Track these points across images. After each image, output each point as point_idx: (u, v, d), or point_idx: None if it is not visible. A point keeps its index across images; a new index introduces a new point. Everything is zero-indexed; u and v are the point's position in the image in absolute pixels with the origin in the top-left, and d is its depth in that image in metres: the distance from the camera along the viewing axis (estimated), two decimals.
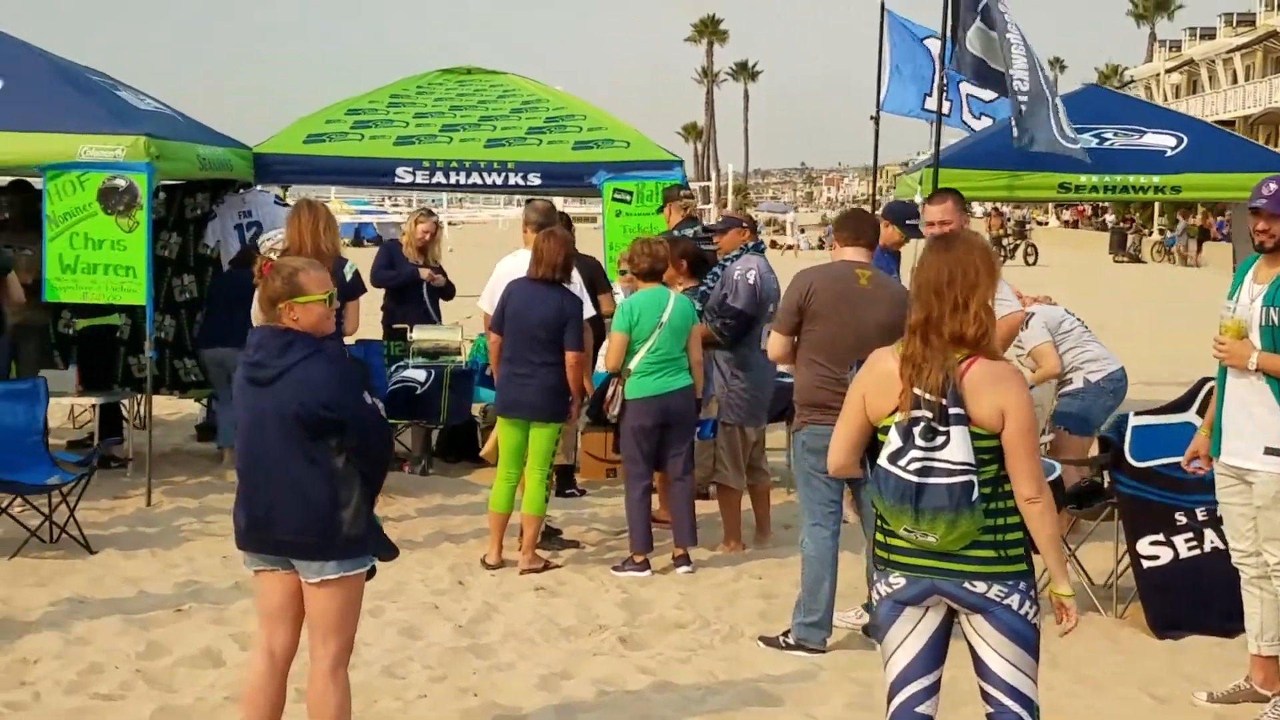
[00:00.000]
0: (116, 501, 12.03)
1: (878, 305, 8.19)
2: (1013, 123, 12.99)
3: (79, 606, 9.28)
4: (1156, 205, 59.88)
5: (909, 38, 18.08)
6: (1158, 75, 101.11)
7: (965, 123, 17.65)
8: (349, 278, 10.53)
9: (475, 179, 14.58)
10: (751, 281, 10.74)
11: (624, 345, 10.13)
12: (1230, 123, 78.54)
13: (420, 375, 13.28)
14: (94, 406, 13.15)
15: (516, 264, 10.93)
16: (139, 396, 13.98)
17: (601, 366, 10.72)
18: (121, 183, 11.79)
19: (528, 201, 12.80)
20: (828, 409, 8.14)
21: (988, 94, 17.08)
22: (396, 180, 14.68)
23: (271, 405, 6.22)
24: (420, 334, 13.70)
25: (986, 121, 17.31)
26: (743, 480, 10.84)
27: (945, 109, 17.83)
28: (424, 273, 14.20)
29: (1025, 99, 13.29)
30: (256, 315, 11.09)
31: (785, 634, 8.49)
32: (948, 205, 9.07)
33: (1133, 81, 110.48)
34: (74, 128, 11.91)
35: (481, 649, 8.51)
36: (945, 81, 15.14)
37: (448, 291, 14.49)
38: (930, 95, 18.06)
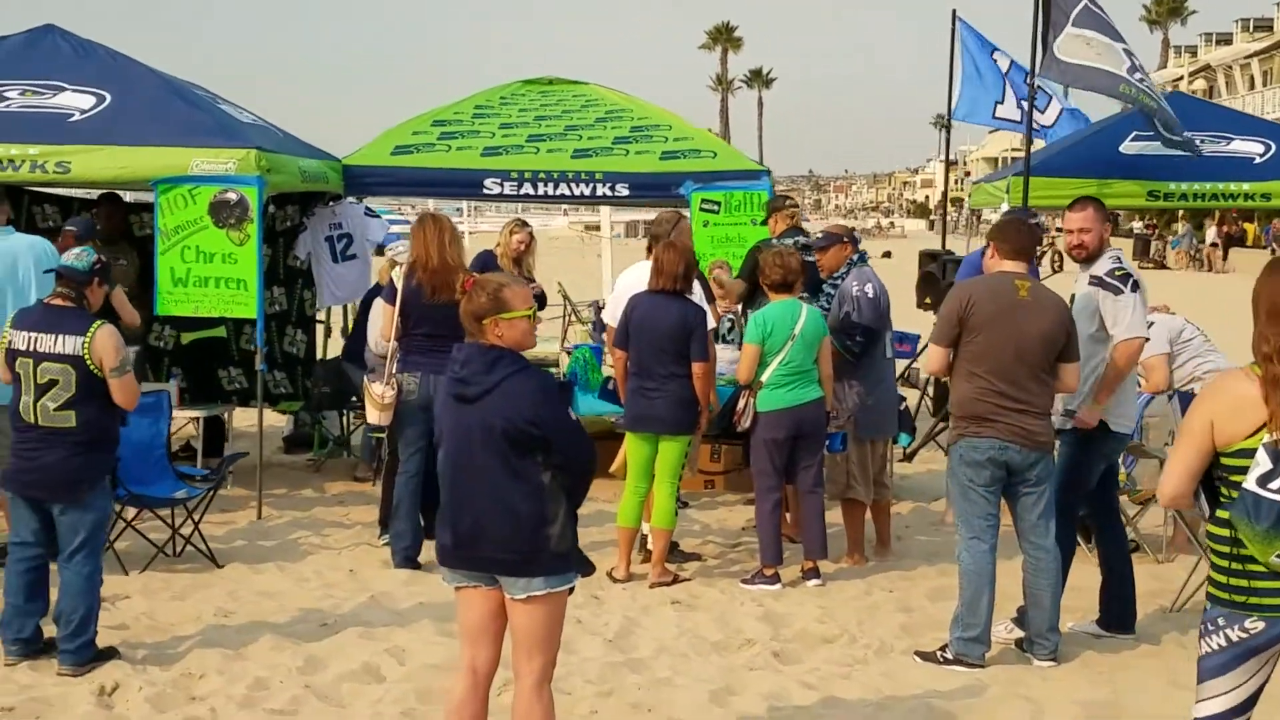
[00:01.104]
0: (227, 515, 12.05)
1: (1039, 316, 8.20)
2: (1157, 120, 13.10)
3: (225, 621, 9.32)
4: (1180, 212, 59.76)
5: (979, 46, 18.09)
6: (1178, 81, 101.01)
7: (1040, 126, 17.67)
8: None
9: (563, 189, 14.55)
10: (871, 295, 10.76)
11: (757, 357, 10.14)
12: None
13: None
14: (197, 420, 13.15)
15: (637, 277, 10.95)
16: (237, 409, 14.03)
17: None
18: (233, 196, 11.82)
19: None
20: (985, 421, 8.19)
21: (1050, 118, 17.23)
22: (485, 191, 14.67)
23: (478, 421, 6.24)
24: None
25: (1066, 125, 17.38)
26: (870, 493, 10.85)
27: (1017, 116, 17.98)
28: None
29: (1147, 95, 13.46)
30: (378, 335, 11.21)
31: (943, 649, 8.49)
32: (1088, 213, 9.06)
33: None
34: (185, 141, 11.94)
35: (636, 664, 8.52)
36: (1034, 88, 15.13)
37: (538, 303, 14.46)
38: (1002, 103, 18.14)
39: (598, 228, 28.57)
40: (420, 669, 8.38)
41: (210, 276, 11.94)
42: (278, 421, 15.82)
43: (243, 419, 15.17)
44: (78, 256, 8.36)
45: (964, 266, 12.78)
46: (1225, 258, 58.92)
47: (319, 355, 15.36)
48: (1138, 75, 14.37)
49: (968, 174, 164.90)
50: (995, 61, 17.82)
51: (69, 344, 8.05)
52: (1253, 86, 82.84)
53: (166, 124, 12.16)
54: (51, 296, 8.36)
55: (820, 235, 11.43)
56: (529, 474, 6.24)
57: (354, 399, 14.93)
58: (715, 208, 14.08)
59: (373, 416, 10.68)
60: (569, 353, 14.02)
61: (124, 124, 12.05)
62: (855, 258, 10.98)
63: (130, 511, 10.66)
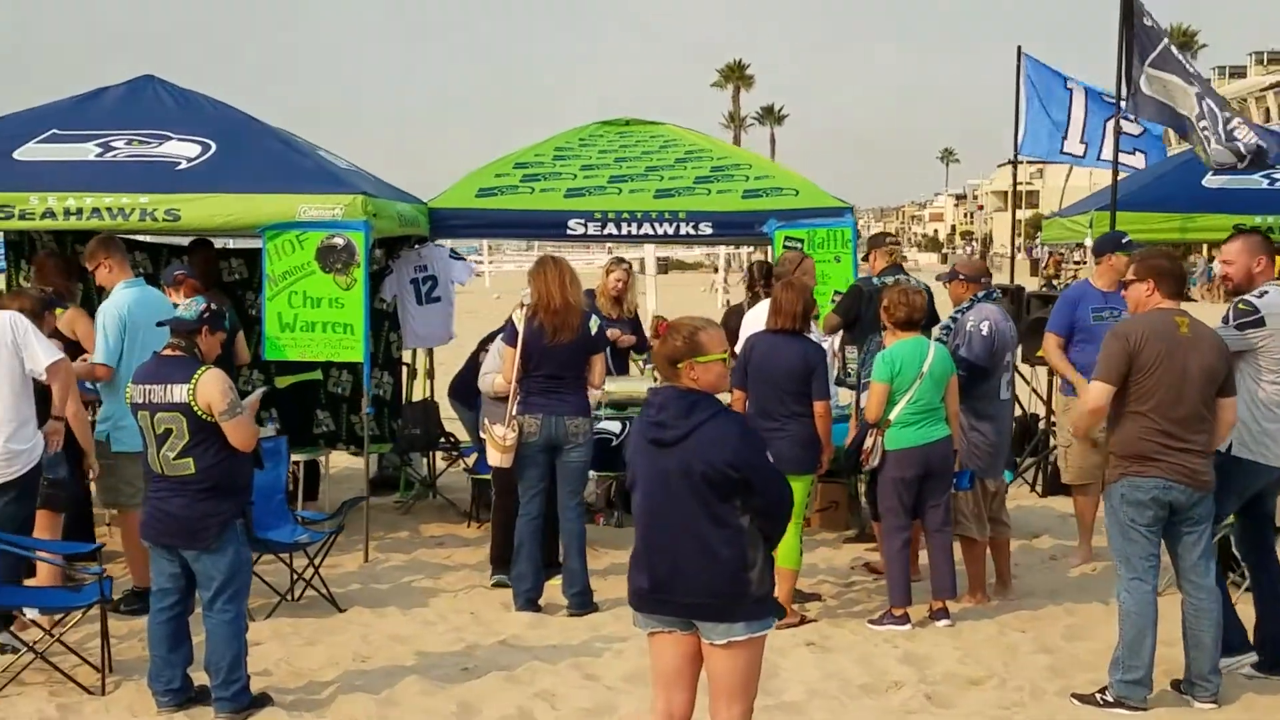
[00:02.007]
0: (333, 558, 12.02)
1: (1201, 352, 8.20)
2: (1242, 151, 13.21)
3: (363, 665, 9.33)
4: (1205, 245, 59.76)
5: (1049, 79, 18.08)
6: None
7: (1104, 161, 17.66)
8: (594, 331, 10.61)
9: (647, 229, 14.57)
10: (985, 332, 10.75)
11: (885, 395, 10.13)
12: None
13: (614, 427, 13.34)
14: (298, 463, 13.16)
15: (753, 317, 10.96)
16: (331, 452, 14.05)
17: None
18: (340, 241, 11.86)
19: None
20: (1149, 460, 8.17)
21: (1136, 129, 17.20)
22: (569, 232, 14.69)
23: (676, 465, 6.26)
24: (611, 385, 13.71)
25: (1139, 158, 17.37)
26: (986, 531, 10.83)
27: (1080, 151, 18.00)
28: (611, 333, 14.11)
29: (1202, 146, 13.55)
30: (491, 380, 11.21)
31: (1102, 691, 8.45)
32: (1235, 245, 8.98)
33: None
34: (292, 188, 11.98)
35: (790, 708, 8.50)
36: (1119, 123, 15.19)
37: (641, 347, 14.48)
38: (1067, 138, 18.14)
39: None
40: (574, 713, 8.39)
41: (317, 321, 11.96)
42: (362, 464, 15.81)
43: (331, 461, 15.20)
44: (186, 307, 8.50)
45: (1061, 296, 12.71)
46: None
47: (405, 397, 15.36)
48: (1203, 124, 14.42)
49: (980, 208, 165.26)
50: (1070, 92, 17.77)
51: (177, 392, 8.12)
52: (1268, 118, 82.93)
53: (273, 171, 12.23)
54: (165, 348, 8.44)
55: (950, 270, 11.44)
56: (728, 518, 6.25)
57: (442, 440, 14.98)
58: (799, 245, 14.05)
59: (494, 459, 10.66)
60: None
61: (231, 171, 12.11)
62: (980, 294, 10.97)
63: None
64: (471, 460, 14.26)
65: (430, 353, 15.69)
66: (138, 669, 9.02)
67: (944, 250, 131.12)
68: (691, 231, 14.59)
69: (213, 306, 8.47)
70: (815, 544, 12.97)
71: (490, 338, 13.10)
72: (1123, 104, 14.68)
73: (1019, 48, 18.30)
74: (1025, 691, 8.75)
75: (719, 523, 6.23)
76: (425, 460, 15.45)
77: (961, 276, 11.11)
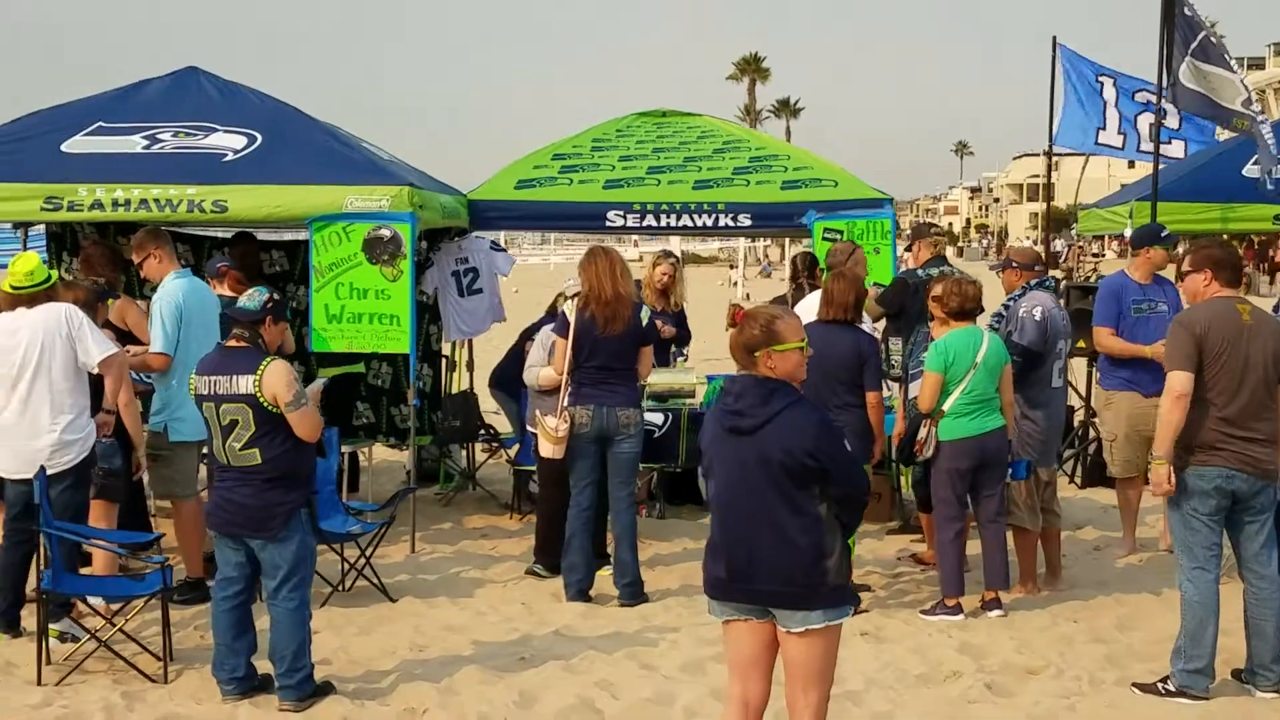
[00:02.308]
0: (380, 549, 12.03)
1: (1263, 339, 8.20)
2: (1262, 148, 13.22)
3: (420, 655, 9.37)
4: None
5: (1083, 71, 18.07)
6: None
7: (1143, 152, 17.66)
8: (645, 323, 10.62)
9: (685, 221, 14.53)
10: (1038, 319, 10.76)
11: (939, 386, 10.12)
12: None
13: (658, 418, 13.33)
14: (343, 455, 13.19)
15: (803, 309, 10.98)
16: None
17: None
18: (386, 232, 11.90)
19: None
20: (1213, 450, 8.17)
21: (1175, 121, 17.20)
22: (607, 224, 14.68)
23: (754, 454, 6.27)
24: (654, 377, 13.71)
25: (1178, 146, 17.36)
26: (1038, 521, 10.82)
27: (1119, 142, 17.99)
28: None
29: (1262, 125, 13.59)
30: (537, 373, 11.22)
31: (1164, 680, 8.45)
32: None
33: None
34: (339, 179, 12.00)
35: (853, 696, 8.51)
36: (1162, 113, 15.20)
37: (683, 340, 14.48)
38: (1104, 129, 18.13)
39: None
40: (637, 704, 8.40)
41: (364, 313, 12.00)
42: (402, 456, 15.86)
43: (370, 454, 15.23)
44: (249, 297, 8.48)
45: (1101, 288, 12.67)
46: (1274, 282, 58.54)
47: (444, 389, 15.38)
48: (1255, 108, 14.48)
49: (996, 200, 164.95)
50: (1101, 84, 17.77)
51: (242, 383, 8.13)
52: None
53: (319, 163, 12.25)
54: (229, 339, 8.44)
55: (1004, 257, 11.46)
56: (806, 506, 6.27)
57: (481, 431, 15.01)
58: (838, 236, 14.04)
59: (545, 450, 10.67)
60: (703, 383, 14.04)
61: (277, 163, 12.13)
62: (1034, 282, 10.97)
63: None
64: (513, 451, 14.29)
65: (469, 344, 15.70)
66: (196, 657, 9.10)
67: (959, 245, 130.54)
68: (730, 223, 14.55)
69: (275, 296, 8.50)
70: (860, 535, 12.85)
71: (532, 329, 13.13)
72: (1164, 94, 14.70)
73: (1054, 38, 18.32)
74: (1084, 681, 8.75)
75: (797, 511, 6.25)
76: (464, 452, 15.47)
77: (1015, 264, 11.12)
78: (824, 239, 14.03)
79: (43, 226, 14.62)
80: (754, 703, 6.56)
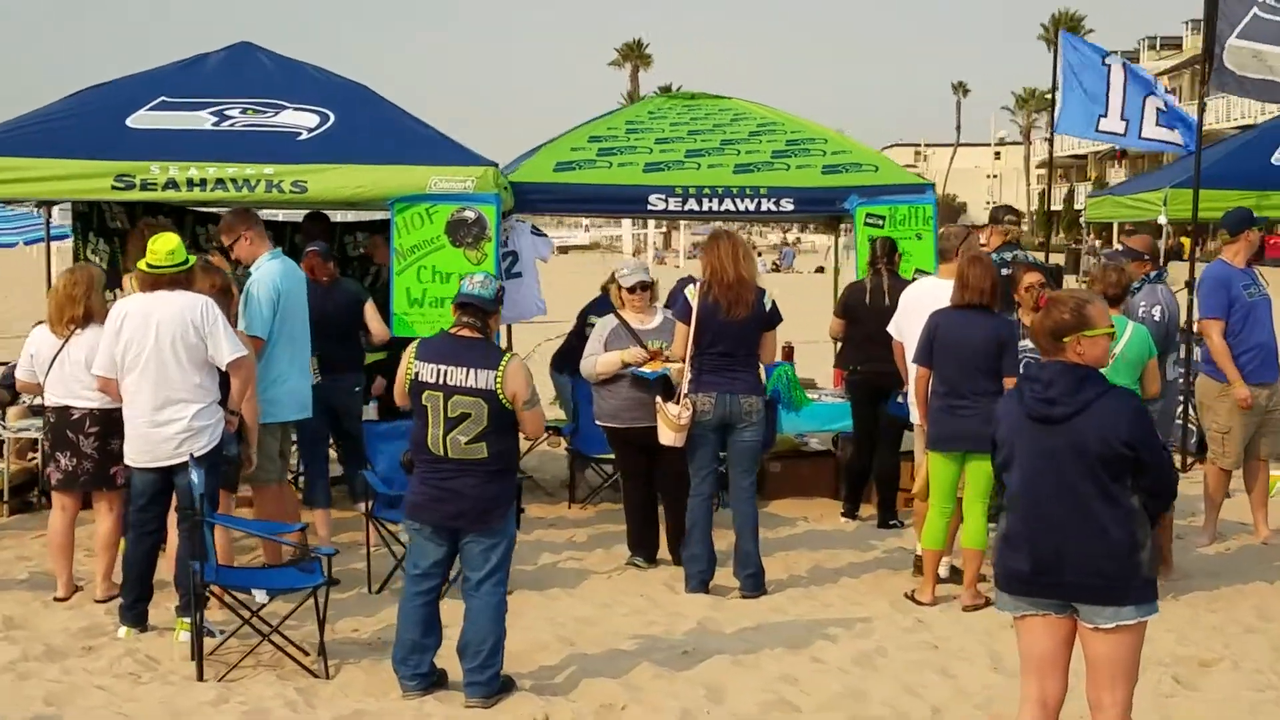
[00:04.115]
0: None
1: None
2: None
3: (572, 649, 9.15)
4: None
5: (1085, 58, 18.08)
6: None
7: (1145, 139, 17.72)
8: (769, 308, 10.43)
9: (728, 205, 14.36)
10: (1159, 318, 10.76)
11: None
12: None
13: None
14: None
15: (923, 292, 10.86)
16: None
17: None
18: (470, 214, 11.64)
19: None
20: None
21: (1170, 102, 17.26)
22: (649, 207, 14.49)
23: (1066, 443, 6.13)
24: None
25: (1165, 132, 17.40)
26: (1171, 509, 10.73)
27: (1121, 129, 18.01)
28: None
29: None
30: (595, 361, 10.95)
31: None
32: None
33: (1053, 105, 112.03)
34: (422, 159, 11.73)
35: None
36: (1202, 99, 15.23)
37: None
38: (1105, 116, 18.14)
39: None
40: (830, 698, 8.23)
41: (447, 297, 11.63)
42: None
43: None
44: (483, 284, 8.14)
45: (1207, 279, 12.61)
46: None
47: None
48: None
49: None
50: (1108, 68, 17.74)
51: (482, 378, 7.89)
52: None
53: (399, 142, 11.95)
54: (457, 327, 8.13)
55: (1121, 249, 11.36)
56: (1120, 498, 6.13)
57: None
58: (880, 222, 13.98)
59: (667, 438, 10.43)
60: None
61: (354, 142, 11.81)
62: (1152, 274, 10.90)
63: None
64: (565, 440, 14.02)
65: (509, 330, 15.38)
66: (336, 652, 8.74)
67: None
68: (773, 208, 14.41)
69: (504, 286, 8.22)
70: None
71: (587, 311, 12.93)
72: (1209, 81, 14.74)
73: (1058, 29, 18.36)
74: (1267, 673, 8.69)
75: (1112, 502, 6.11)
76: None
77: (1146, 257, 11.06)
78: (866, 224, 13.93)
79: (69, 205, 14.11)
80: (1052, 701, 6.40)
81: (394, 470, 10.35)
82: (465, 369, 7.90)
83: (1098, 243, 42.02)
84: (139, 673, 8.44)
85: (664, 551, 11.27)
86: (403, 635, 8.17)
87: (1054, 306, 6.29)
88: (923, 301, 10.73)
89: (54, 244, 16.44)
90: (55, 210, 15.08)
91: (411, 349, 8.20)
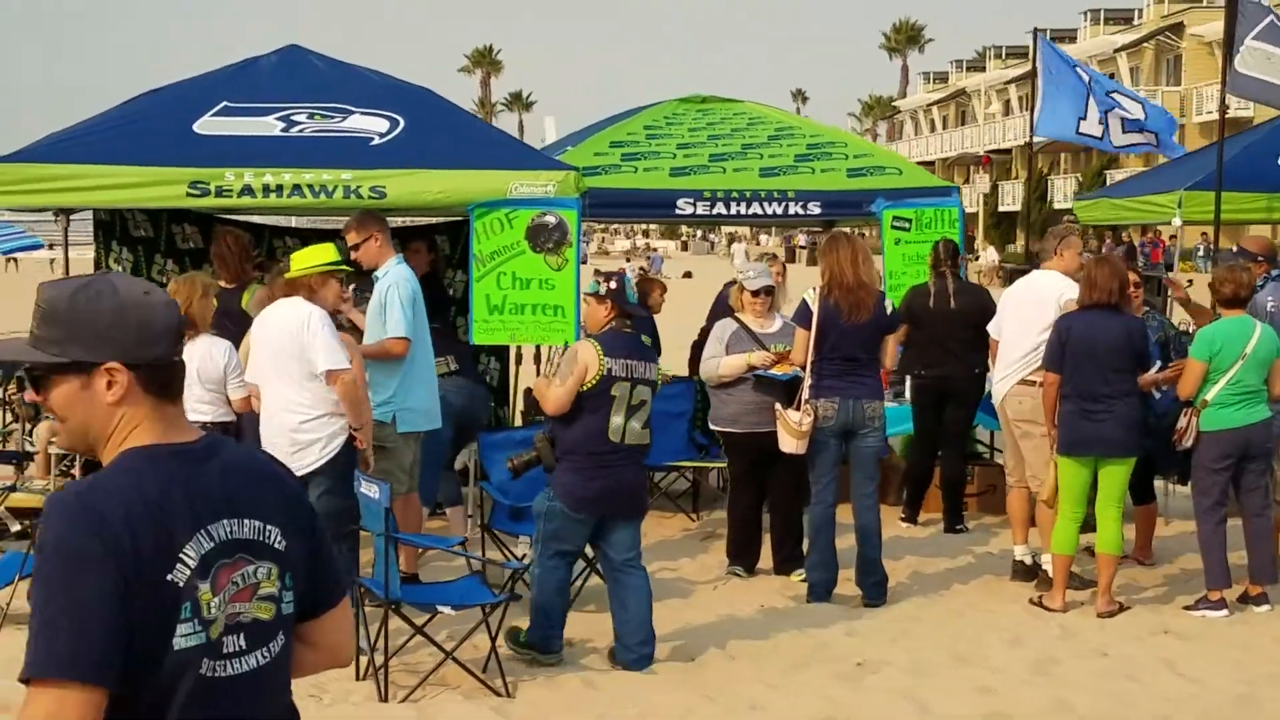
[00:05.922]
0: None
1: None
2: None
3: (741, 651, 9.02)
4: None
5: (1060, 62, 18.23)
6: (930, 105, 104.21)
7: (1116, 145, 17.90)
8: (889, 311, 10.33)
9: (755, 209, 14.34)
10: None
11: (1201, 375, 9.95)
12: (1008, 151, 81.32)
13: None
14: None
15: (1026, 287, 10.86)
16: None
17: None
18: (551, 219, 11.36)
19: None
20: None
21: (1135, 110, 17.41)
22: (678, 212, 14.39)
23: None
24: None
25: (1136, 137, 17.55)
26: None
27: (1098, 132, 18.16)
28: None
29: None
30: (717, 364, 10.79)
31: None
32: None
33: (899, 112, 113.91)
34: (502, 164, 11.39)
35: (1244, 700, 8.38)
36: (1224, 100, 15.35)
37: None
38: (1084, 119, 18.29)
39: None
40: (1037, 712, 8.11)
41: (526, 303, 11.43)
42: None
43: None
44: (632, 289, 8.91)
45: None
46: None
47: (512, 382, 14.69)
48: None
49: None
50: (1080, 75, 17.90)
51: (651, 370, 8.74)
52: (1008, 111, 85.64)
53: (474, 147, 11.65)
54: (619, 324, 8.72)
55: (1237, 250, 11.40)
56: None
57: None
58: (906, 225, 13.99)
59: (788, 445, 10.23)
60: None
61: (431, 147, 11.46)
62: (1274, 274, 10.94)
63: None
64: None
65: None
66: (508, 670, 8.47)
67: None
68: (800, 211, 14.41)
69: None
70: (996, 530, 12.64)
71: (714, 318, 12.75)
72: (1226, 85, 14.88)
73: (1035, 29, 18.49)
74: None
75: None
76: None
77: (1260, 258, 11.10)
78: (892, 227, 13.92)
79: (90, 213, 13.59)
80: None
81: (510, 480, 10.07)
82: (642, 362, 8.68)
83: (1120, 248, 41.97)
84: (318, 695, 8.05)
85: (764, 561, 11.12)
86: (555, 615, 8.74)
87: None
88: (1026, 298, 10.73)
89: (72, 251, 15.81)
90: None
91: (596, 348, 8.58)
